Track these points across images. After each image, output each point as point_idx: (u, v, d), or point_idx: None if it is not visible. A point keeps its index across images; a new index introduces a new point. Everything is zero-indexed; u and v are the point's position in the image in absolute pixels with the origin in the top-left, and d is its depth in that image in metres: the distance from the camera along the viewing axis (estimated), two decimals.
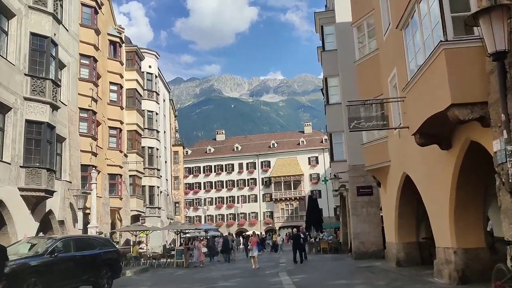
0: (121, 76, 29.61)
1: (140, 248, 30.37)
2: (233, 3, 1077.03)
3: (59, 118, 20.10)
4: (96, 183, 21.48)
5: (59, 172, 20.52)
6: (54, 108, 18.18)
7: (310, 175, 73.38)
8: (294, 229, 25.25)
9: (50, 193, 17.67)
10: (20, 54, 16.96)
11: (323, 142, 75.14)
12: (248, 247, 23.42)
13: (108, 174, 27.21)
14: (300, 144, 76.73)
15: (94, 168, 21.97)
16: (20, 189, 16.39)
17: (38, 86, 17.40)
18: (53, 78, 18.21)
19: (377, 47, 16.32)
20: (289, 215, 72.62)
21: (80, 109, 23.06)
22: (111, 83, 28.50)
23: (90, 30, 24.16)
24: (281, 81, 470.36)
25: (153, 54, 40.30)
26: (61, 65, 21.22)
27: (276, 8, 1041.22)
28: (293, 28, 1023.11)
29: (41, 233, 18.01)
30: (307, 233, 30.90)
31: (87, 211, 21.80)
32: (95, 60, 24.54)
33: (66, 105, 21.32)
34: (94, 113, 24.12)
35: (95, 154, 23.73)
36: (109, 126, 27.83)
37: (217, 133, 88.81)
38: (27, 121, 16.97)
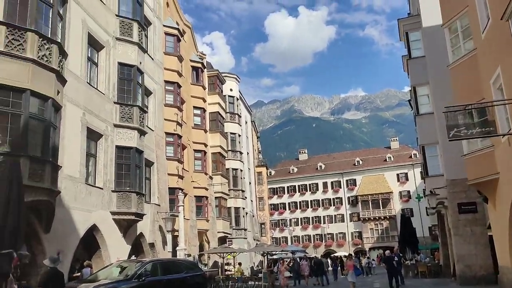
0: (204, 100, 30.29)
1: (228, 271, 30.30)
2: (310, 24, 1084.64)
3: (146, 143, 20.77)
4: (183, 206, 21.71)
5: (148, 196, 21.11)
6: (142, 133, 18.77)
7: (400, 192, 69.45)
8: (387, 251, 23.32)
9: (140, 216, 18.08)
10: (109, 84, 17.82)
11: (412, 157, 71.08)
12: (343, 272, 21.94)
13: (194, 196, 27.62)
14: (387, 160, 73.20)
15: (181, 191, 22.31)
16: (112, 213, 16.93)
17: (126, 113, 18.10)
18: (140, 105, 18.86)
19: (474, 47, 14.70)
20: (379, 235, 69.03)
21: (166, 133, 23.73)
22: (194, 107, 29.23)
23: (174, 58, 25.03)
24: (363, 97, 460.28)
25: (233, 78, 40.99)
26: (147, 92, 22.09)
27: (354, 24, 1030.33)
28: (373, 43, 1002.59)
29: (133, 256, 18.46)
30: (401, 255, 28.62)
31: (176, 233, 22.10)
32: (179, 86, 25.29)
33: (153, 130, 22.04)
34: (180, 137, 24.72)
35: (181, 177, 24.21)
36: (194, 149, 28.41)
37: (300, 152, 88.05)
38: (117, 147, 17.65)
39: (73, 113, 14.90)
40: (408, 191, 68.84)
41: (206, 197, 28.83)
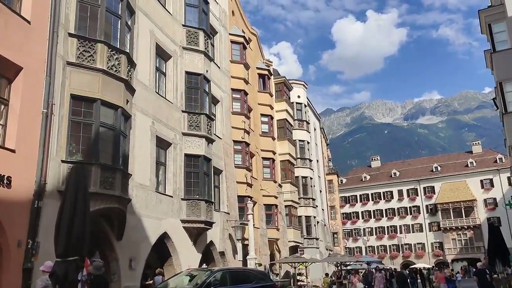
0: (271, 108, 29.99)
1: (300, 281, 29.48)
2: (379, 28, 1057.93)
3: (214, 151, 20.76)
4: (252, 214, 21.41)
5: (218, 204, 21.02)
6: (209, 141, 18.75)
7: (485, 200, 64.37)
8: (479, 263, 21.08)
9: (210, 224, 17.97)
10: (177, 93, 18.01)
11: (498, 161, 65.77)
12: (434, 284, 19.99)
13: (264, 204, 27.24)
14: (469, 165, 68.28)
15: (250, 199, 22.02)
16: (182, 221, 16.95)
17: (194, 121, 18.18)
18: (207, 113, 18.88)
19: None
20: (462, 246, 64.30)
21: (234, 141, 23.64)
22: (262, 114, 29.00)
23: (240, 65, 25.00)
24: (439, 100, 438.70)
25: (301, 84, 40.41)
26: (214, 101, 22.16)
27: (426, 25, 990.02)
28: (448, 43, 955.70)
29: (204, 264, 18.38)
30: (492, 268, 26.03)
31: (246, 242, 21.80)
32: (246, 94, 25.19)
33: (220, 138, 22.02)
34: (247, 144, 24.54)
35: (250, 185, 23.95)
36: (262, 157, 28.12)
37: (372, 159, 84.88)
38: (186, 155, 17.72)
39: (142, 122, 15.14)
40: (494, 199, 63.65)
41: (276, 206, 28.34)
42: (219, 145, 21.77)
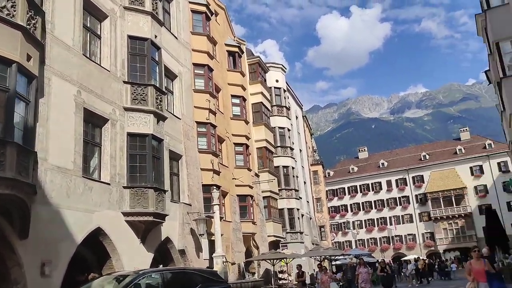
0: (244, 88, 26.95)
1: (282, 279, 26.60)
2: (364, 23, 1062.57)
3: (171, 132, 17.74)
4: (218, 204, 18.38)
5: (177, 194, 18.01)
6: (160, 118, 15.69)
7: (475, 187, 62.20)
8: (484, 249, 17.49)
9: (161, 217, 14.93)
10: (116, 60, 14.93)
11: (487, 147, 63.68)
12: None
13: (237, 195, 24.26)
14: (458, 153, 66.09)
15: (216, 188, 19.00)
16: (125, 214, 13.90)
17: (139, 94, 15.11)
18: (157, 85, 15.82)
19: None
20: (454, 236, 62.08)
21: (197, 123, 20.60)
22: (232, 96, 25.97)
23: (202, 37, 21.93)
24: (424, 94, 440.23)
25: (279, 68, 37.40)
26: (171, 75, 19.14)
27: (409, 20, 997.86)
28: (431, 37, 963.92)
29: (161, 265, 15.40)
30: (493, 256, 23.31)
31: (213, 237, 18.78)
32: (210, 69, 22.14)
33: (179, 119, 18.98)
34: (214, 126, 21.49)
35: (217, 172, 20.90)
36: (234, 143, 25.11)
37: (360, 150, 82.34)
38: (129, 134, 14.66)
39: (62, 90, 12.01)
40: (485, 185, 61.54)
41: (251, 196, 25.36)
42: (178, 126, 18.72)
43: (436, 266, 37.41)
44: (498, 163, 60.93)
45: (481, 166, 62.82)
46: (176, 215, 17.11)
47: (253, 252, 25.67)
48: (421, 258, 48.50)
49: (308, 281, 26.80)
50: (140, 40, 15.66)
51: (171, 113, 18.26)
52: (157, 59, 16.43)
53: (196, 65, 21.36)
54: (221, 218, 19.94)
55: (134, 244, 14.25)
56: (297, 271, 20.30)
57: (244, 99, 26.90)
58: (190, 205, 18.29)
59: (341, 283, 22.85)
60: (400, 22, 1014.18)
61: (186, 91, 20.03)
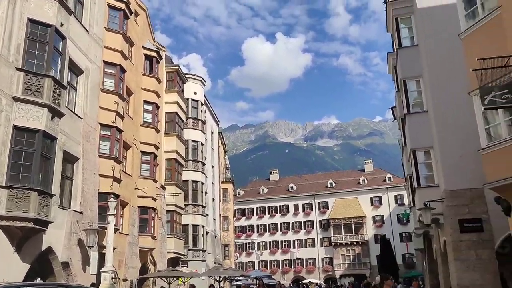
0: (158, 95, 25.77)
1: None
2: (287, 51, 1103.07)
3: (70, 133, 16.16)
4: (114, 215, 16.96)
5: (68, 200, 16.32)
6: (56, 113, 14.14)
7: (373, 217, 65.87)
8: (377, 278, 18.33)
9: (44, 224, 13.28)
10: (10, 43, 13.24)
11: (387, 180, 68.06)
12: None
13: (138, 207, 22.81)
14: (361, 183, 69.80)
15: (113, 196, 17.56)
16: None
17: (33, 84, 13.49)
18: (57, 77, 14.30)
19: (498, 4, 10.99)
20: (350, 262, 64.82)
21: (102, 125, 19.09)
22: (145, 101, 24.67)
23: (117, 35, 20.58)
24: (336, 125, 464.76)
25: (198, 80, 36.76)
26: (77, 70, 17.59)
27: (329, 54, 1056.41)
28: (346, 73, 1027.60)
29: (39, 279, 13.60)
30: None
31: (104, 250, 17.23)
32: (123, 70, 20.81)
33: (81, 118, 17.40)
34: (120, 131, 20.07)
35: (118, 181, 19.42)
36: (141, 151, 23.74)
37: (271, 173, 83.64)
38: (16, 127, 12.96)
39: None
40: (382, 216, 65.47)
41: (154, 209, 24.02)
42: (78, 125, 17.13)
43: None
44: (395, 196, 65.20)
45: (380, 198, 66.78)
46: (64, 223, 15.44)
47: (150, 268, 24.19)
48: (313, 282, 49.85)
49: None
50: (42, 25, 14.10)
51: (71, 111, 16.69)
52: (60, 50, 14.92)
53: (107, 63, 19.93)
54: (116, 230, 18.57)
55: (7, 253, 12.44)
56: None
57: (158, 107, 25.70)
58: (82, 213, 16.65)
59: None
60: (320, 55, 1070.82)
61: (92, 89, 18.50)
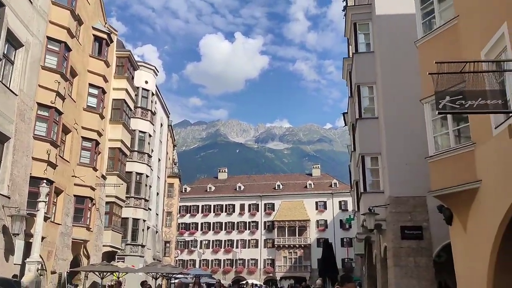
0: (106, 80, 24.43)
1: None
2: (245, 51, 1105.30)
3: (3, 110, 14.90)
4: (45, 201, 15.75)
5: None
6: None
7: (317, 221, 66.80)
8: (318, 281, 18.29)
9: None
10: None
11: (333, 186, 69.34)
12: None
13: (74, 196, 21.44)
14: (308, 187, 70.67)
15: (46, 182, 16.29)
16: None
17: None
18: None
19: (455, 14, 11.07)
20: (291, 264, 65.38)
21: (39, 104, 17.68)
22: (91, 85, 23.29)
23: (65, 11, 19.19)
24: (287, 129, 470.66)
25: (151, 69, 35.54)
26: (16, 43, 16.17)
27: (285, 58, 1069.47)
28: (301, 78, 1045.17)
29: None
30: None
31: (32, 239, 15.94)
32: (68, 49, 19.44)
33: (16, 95, 15.99)
34: (59, 113, 18.70)
35: (53, 166, 18.07)
36: (82, 136, 22.35)
37: (220, 171, 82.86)
38: None
39: None
40: (325, 220, 66.52)
41: (92, 199, 22.69)
42: (12, 102, 15.73)
43: None
44: (340, 202, 66.50)
45: (325, 202, 67.88)
46: None
47: (82, 261, 22.84)
48: (250, 282, 49.66)
49: None
50: None
51: (6, 86, 15.29)
52: None
53: (51, 39, 18.53)
54: (47, 218, 17.31)
55: None
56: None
57: (104, 92, 24.37)
58: (9, 198, 15.27)
59: None
60: (277, 58, 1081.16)
61: (31, 65, 17.10)
